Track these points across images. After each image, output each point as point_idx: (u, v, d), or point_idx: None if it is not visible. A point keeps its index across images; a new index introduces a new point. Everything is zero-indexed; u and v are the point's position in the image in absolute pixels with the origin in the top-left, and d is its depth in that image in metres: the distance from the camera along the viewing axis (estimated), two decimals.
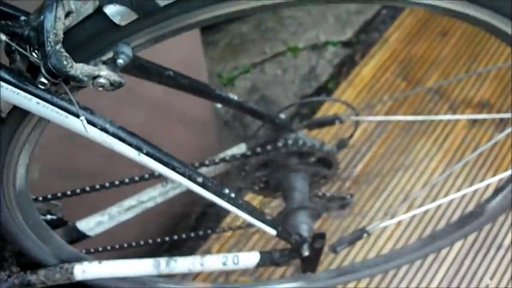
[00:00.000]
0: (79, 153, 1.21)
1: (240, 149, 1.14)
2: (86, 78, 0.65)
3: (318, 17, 2.20)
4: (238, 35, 2.17)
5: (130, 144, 0.76)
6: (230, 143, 1.82)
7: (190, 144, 1.57)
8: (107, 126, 0.74)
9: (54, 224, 1.05)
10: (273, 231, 1.00)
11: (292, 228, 1.12)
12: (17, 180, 0.85)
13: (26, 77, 0.67)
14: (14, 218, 0.91)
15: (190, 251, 1.63)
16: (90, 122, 0.72)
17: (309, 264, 1.14)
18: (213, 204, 0.89)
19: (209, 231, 1.22)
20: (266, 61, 2.11)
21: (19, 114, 0.74)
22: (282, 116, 1.15)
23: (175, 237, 1.19)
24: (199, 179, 0.84)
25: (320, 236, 1.08)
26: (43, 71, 0.63)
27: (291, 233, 1.08)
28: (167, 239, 1.19)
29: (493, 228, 1.68)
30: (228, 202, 0.89)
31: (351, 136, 1.14)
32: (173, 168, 0.81)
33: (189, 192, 0.88)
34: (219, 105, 1.97)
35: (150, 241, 1.19)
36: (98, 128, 0.73)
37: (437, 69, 2.01)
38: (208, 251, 1.63)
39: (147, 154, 0.78)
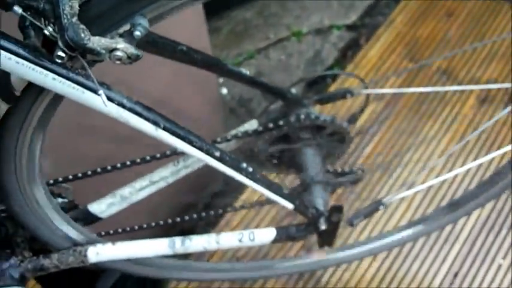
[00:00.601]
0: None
1: (252, 125, 1.14)
2: (103, 51, 0.64)
3: (321, 1, 2.18)
4: (241, 21, 2.16)
5: (147, 119, 0.75)
6: None
7: (196, 132, 1.57)
8: (124, 101, 0.73)
9: (66, 207, 1.04)
10: (290, 205, 1.00)
11: (308, 202, 1.11)
12: (30, 161, 0.84)
13: (41, 52, 0.65)
14: (27, 201, 0.90)
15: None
16: (107, 97, 0.71)
17: (326, 238, 1.14)
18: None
19: (220, 211, 1.21)
20: (270, 46, 2.10)
21: (33, 92, 0.72)
22: (293, 90, 1.14)
23: (187, 217, 1.18)
24: (217, 153, 0.84)
25: (337, 209, 1.07)
26: (60, 44, 0.62)
27: (308, 207, 1.08)
28: (178, 219, 1.18)
29: (504, 207, 1.68)
30: (246, 176, 0.89)
31: (362, 110, 1.14)
32: (190, 143, 0.81)
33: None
34: (224, 92, 1.96)
35: (162, 222, 1.18)
36: (115, 103, 0.72)
37: (444, 50, 2.00)
38: None
39: (165, 129, 0.77)
